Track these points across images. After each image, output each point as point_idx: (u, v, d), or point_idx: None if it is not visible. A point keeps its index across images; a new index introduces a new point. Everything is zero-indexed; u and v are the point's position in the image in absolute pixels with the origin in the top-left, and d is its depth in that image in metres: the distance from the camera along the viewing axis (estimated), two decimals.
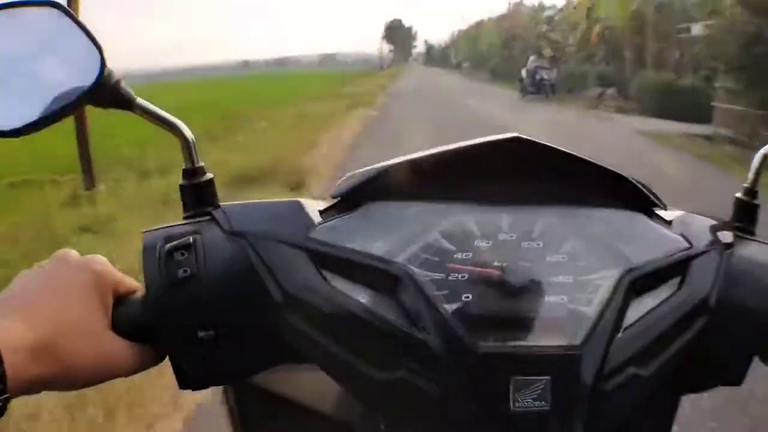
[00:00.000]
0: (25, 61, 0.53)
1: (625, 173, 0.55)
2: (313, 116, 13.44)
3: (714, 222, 0.56)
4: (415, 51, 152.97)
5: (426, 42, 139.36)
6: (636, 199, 0.55)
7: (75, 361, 0.46)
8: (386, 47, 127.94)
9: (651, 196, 0.56)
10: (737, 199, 0.59)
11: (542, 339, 0.46)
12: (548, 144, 0.52)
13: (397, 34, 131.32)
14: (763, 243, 0.57)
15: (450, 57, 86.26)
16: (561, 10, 29.51)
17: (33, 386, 0.43)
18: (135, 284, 0.53)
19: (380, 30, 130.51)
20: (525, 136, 0.52)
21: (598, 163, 0.54)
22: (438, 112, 14.84)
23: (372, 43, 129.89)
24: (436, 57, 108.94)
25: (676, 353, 0.48)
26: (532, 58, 20.98)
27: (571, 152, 0.53)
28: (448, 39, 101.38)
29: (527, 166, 0.54)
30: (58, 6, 0.52)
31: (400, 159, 0.54)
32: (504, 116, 14.14)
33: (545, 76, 19.85)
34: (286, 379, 0.66)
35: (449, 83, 35.35)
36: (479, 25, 57.10)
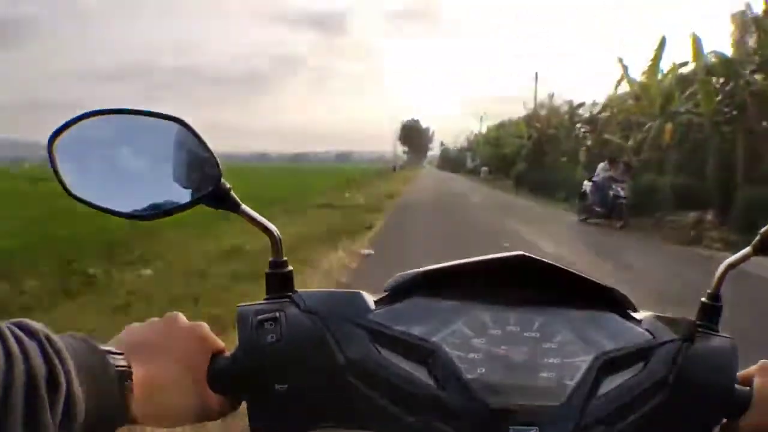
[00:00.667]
0: (157, 161, 0.66)
1: (604, 283, 0.70)
2: (255, 254, 7.12)
3: (680, 320, 0.70)
4: (430, 154, 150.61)
5: (442, 144, 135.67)
6: (614, 303, 0.70)
7: (176, 406, 0.59)
8: (401, 148, 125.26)
9: (625, 301, 0.71)
10: (702, 302, 0.72)
11: (534, 400, 0.60)
12: (547, 261, 0.68)
13: (414, 134, 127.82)
14: (724, 336, 0.70)
15: (466, 161, 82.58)
16: (605, 106, 23.19)
17: (139, 420, 0.55)
18: (222, 345, 0.65)
19: (395, 129, 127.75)
20: (529, 255, 0.67)
21: (585, 276, 0.70)
22: (474, 249, 8.39)
23: (388, 144, 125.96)
24: (451, 160, 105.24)
25: (639, 419, 0.63)
26: (602, 165, 14.93)
27: (564, 267, 0.69)
28: (464, 141, 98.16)
29: (531, 277, 0.69)
30: (182, 122, 0.65)
31: (435, 266, 0.69)
32: (582, 264, 7.89)
33: (621, 193, 13.69)
34: None
35: (471, 193, 29.66)
36: (501, 126, 52.81)
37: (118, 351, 0.54)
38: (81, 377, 0.46)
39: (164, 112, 0.66)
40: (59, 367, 0.45)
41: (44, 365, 0.44)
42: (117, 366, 0.52)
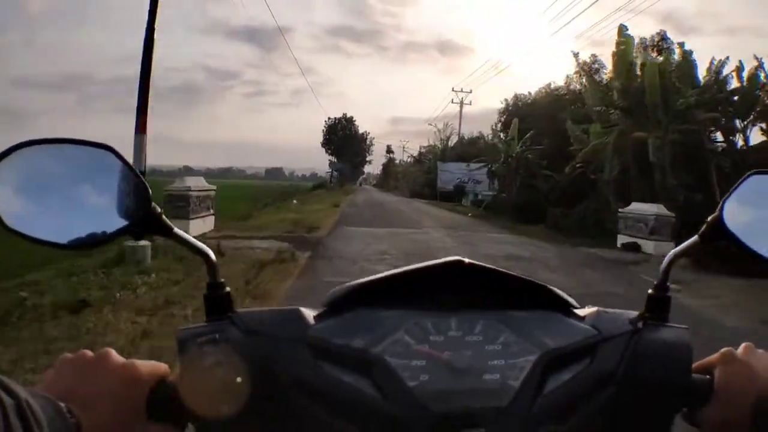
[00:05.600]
0: (90, 189, 0.66)
1: (546, 284, 0.70)
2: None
3: (627, 314, 0.70)
4: (367, 169, 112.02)
5: (389, 150, 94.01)
6: (556, 302, 0.71)
7: None
8: (328, 158, 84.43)
9: (568, 299, 0.71)
10: (649, 294, 0.71)
11: (480, 403, 0.61)
12: (484, 264, 0.69)
13: (345, 139, 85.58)
14: (675, 326, 0.69)
15: (436, 180, 44.80)
16: None
17: None
18: (165, 369, 0.66)
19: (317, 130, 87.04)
20: (466, 260, 0.68)
21: (525, 277, 0.70)
22: None
23: (320, 160, 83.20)
24: (406, 177, 66.37)
25: (590, 414, 0.63)
26: None
27: (502, 270, 0.70)
28: (429, 143, 59.91)
29: (470, 281, 0.70)
30: (113, 150, 0.66)
31: (373, 277, 0.70)
32: None
33: None
34: None
35: None
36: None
37: (66, 405, 0.54)
38: None
39: (95, 141, 0.65)
40: (36, 429, 0.45)
41: (21, 429, 0.44)
42: (72, 422, 0.53)
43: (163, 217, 0.67)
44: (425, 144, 62.60)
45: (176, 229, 0.68)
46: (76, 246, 0.64)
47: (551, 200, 21.01)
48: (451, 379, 0.62)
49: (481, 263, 0.69)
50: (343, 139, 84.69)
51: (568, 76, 27.67)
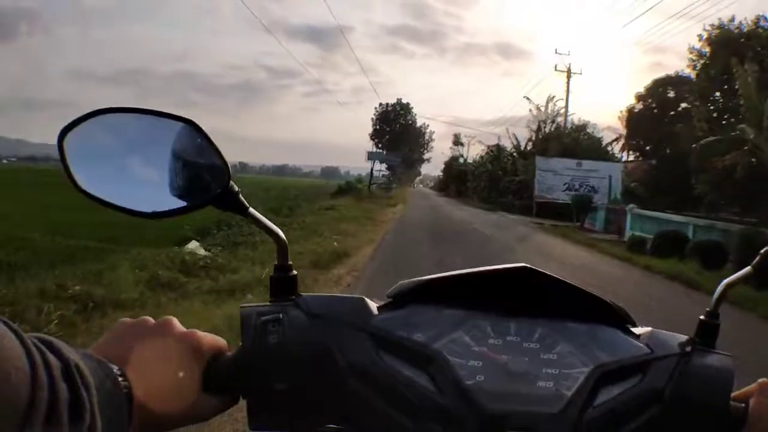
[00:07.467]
0: (168, 161, 0.65)
1: (606, 299, 0.71)
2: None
3: (678, 337, 0.71)
4: (424, 169, 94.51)
5: (455, 140, 70.62)
6: (614, 318, 0.71)
7: (171, 414, 0.58)
8: (373, 150, 66.80)
9: (624, 316, 0.72)
10: (700, 320, 0.72)
11: (532, 407, 0.62)
12: (550, 274, 0.69)
13: (400, 130, 68.14)
14: (721, 353, 0.70)
15: (533, 186, 28.33)
16: None
17: (137, 430, 0.54)
18: (224, 344, 0.66)
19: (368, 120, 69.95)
20: (531, 267, 0.68)
21: (587, 290, 0.70)
22: None
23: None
24: (470, 176, 48.94)
25: (635, 429, 0.63)
26: None
27: (568, 281, 0.70)
28: (524, 134, 42.63)
29: (532, 288, 0.70)
30: (195, 125, 0.65)
31: (438, 275, 0.70)
32: None
33: None
34: None
35: None
36: None
37: (120, 369, 0.53)
38: (99, 403, 0.45)
39: (177, 114, 0.65)
40: (84, 396, 0.43)
41: (68, 392, 0.42)
42: (124, 386, 0.52)
43: (240, 196, 0.67)
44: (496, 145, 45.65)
45: (251, 209, 0.68)
46: (152, 215, 0.64)
47: None
48: (506, 382, 0.63)
49: (546, 272, 0.69)
50: (398, 130, 67.86)
51: None
